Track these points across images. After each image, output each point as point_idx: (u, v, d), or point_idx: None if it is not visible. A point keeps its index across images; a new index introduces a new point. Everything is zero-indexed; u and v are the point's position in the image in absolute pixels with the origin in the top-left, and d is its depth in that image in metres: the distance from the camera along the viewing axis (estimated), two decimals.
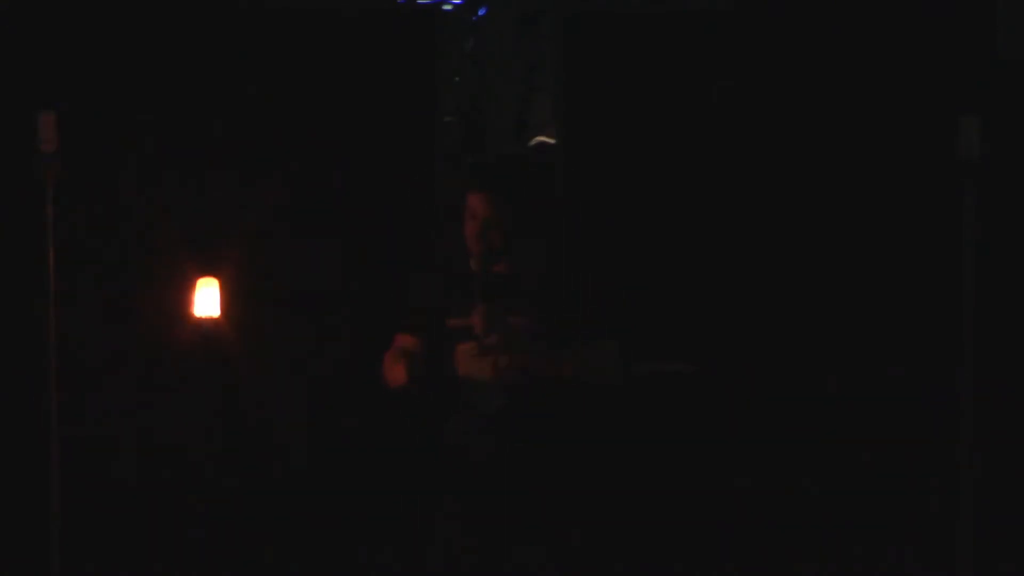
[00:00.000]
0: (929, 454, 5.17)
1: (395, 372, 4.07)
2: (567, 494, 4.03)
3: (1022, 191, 5.28)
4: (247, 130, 5.31)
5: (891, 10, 5.29)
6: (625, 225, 5.35)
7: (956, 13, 5.27)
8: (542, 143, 5.32)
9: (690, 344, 5.33)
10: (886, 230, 5.31)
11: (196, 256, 5.20)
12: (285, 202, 5.33)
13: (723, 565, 5.23)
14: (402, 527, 4.99)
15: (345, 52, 5.32)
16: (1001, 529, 5.08)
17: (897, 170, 5.28)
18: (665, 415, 5.29)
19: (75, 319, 5.07)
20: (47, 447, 4.88)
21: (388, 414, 5.15)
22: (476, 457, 4.04)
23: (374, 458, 5.27)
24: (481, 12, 5.29)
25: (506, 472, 4.01)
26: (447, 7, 5.29)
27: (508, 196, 4.06)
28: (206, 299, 5.15)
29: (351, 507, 5.28)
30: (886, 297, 5.32)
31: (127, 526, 5.28)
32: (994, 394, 4.99)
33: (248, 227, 5.28)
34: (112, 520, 5.27)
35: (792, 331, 5.34)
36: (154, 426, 5.31)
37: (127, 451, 5.31)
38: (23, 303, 5.11)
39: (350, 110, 5.34)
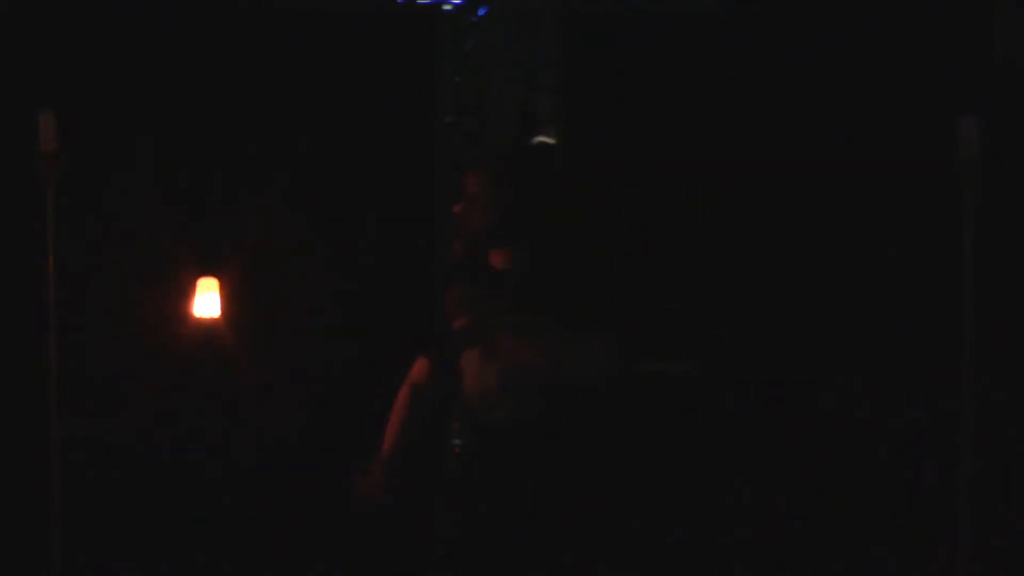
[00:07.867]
0: (928, 453, 5.18)
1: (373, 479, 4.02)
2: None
3: (1021, 191, 5.29)
4: (246, 130, 5.32)
5: (890, 13, 5.29)
6: (624, 224, 5.36)
7: (955, 16, 5.28)
8: (542, 143, 5.32)
9: (690, 343, 5.34)
10: (885, 231, 5.32)
11: (196, 256, 5.21)
12: (284, 202, 5.34)
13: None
14: (402, 529, 4.99)
15: (345, 52, 5.32)
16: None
17: (897, 171, 5.29)
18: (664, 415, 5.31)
19: (75, 319, 5.07)
20: (47, 447, 4.88)
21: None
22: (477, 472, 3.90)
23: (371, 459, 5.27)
24: (481, 12, 5.29)
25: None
26: (447, 7, 5.29)
27: (501, 178, 3.84)
28: (206, 299, 5.16)
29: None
30: (886, 297, 5.32)
31: (127, 526, 5.28)
32: (993, 392, 5.00)
33: (248, 227, 5.28)
34: (112, 520, 5.27)
35: (791, 331, 5.35)
36: (154, 426, 5.32)
37: (127, 451, 5.32)
38: (23, 303, 5.11)
39: (350, 110, 5.34)
